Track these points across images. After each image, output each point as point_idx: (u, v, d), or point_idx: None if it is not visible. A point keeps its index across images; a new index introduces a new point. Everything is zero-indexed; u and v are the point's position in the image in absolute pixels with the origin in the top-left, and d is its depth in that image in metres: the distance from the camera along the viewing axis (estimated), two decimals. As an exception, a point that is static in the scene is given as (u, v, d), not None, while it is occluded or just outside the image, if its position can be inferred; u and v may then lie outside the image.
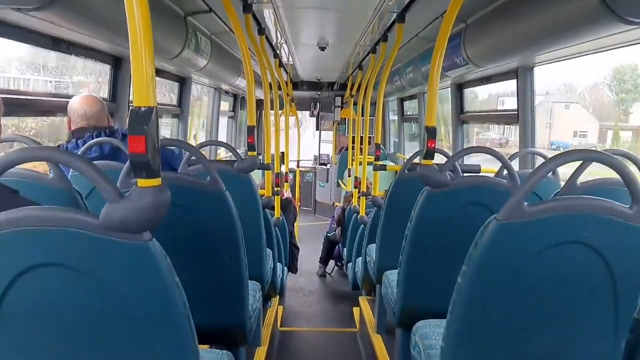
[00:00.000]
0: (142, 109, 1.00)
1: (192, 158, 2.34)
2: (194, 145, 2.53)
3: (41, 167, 2.05)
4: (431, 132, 2.15)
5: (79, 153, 2.32)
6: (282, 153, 5.84)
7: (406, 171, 2.98)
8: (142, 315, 1.11)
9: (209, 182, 1.93)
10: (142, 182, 1.02)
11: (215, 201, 1.93)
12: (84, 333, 1.11)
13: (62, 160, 1.09)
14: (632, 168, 2.07)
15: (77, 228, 1.01)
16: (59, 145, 2.49)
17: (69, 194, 1.75)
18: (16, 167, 1.06)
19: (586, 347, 1.48)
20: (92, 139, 2.41)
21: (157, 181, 1.03)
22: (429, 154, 2.16)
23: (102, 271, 1.05)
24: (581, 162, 2.02)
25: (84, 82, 3.57)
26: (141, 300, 1.10)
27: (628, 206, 1.36)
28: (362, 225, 4.28)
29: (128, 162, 1.72)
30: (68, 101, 2.53)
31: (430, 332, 1.96)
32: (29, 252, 1.03)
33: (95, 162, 2.29)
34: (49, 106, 2.84)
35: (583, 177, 2.13)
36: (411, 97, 7.32)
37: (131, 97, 3.43)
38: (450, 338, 1.52)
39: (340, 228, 6.05)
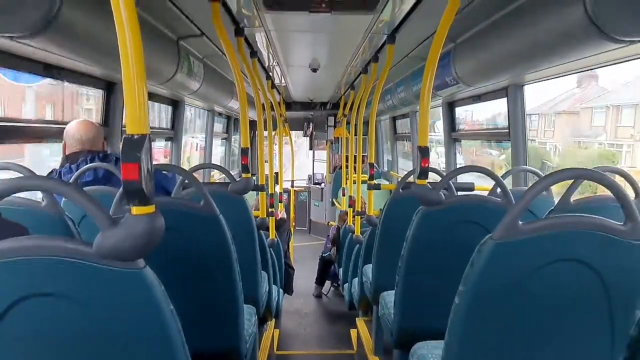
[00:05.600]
0: (136, 136, 1.00)
1: (185, 181, 2.33)
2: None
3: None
4: (424, 152, 2.15)
5: (72, 178, 2.33)
6: (276, 173, 5.84)
7: (400, 190, 2.99)
8: (137, 343, 1.09)
9: (202, 205, 1.92)
10: (135, 210, 1.01)
11: (209, 225, 1.92)
12: None
13: (55, 189, 1.09)
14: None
15: (71, 257, 1.00)
16: (52, 170, 2.48)
17: (61, 221, 1.74)
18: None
19: None
20: (86, 163, 2.41)
21: (150, 208, 1.02)
22: (423, 173, 2.16)
23: (96, 299, 1.04)
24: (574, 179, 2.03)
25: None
26: (135, 328, 1.08)
27: (622, 223, 1.36)
28: (358, 245, 4.26)
29: (121, 188, 1.71)
30: (62, 127, 2.53)
31: (429, 354, 1.94)
32: (21, 282, 1.02)
33: (88, 186, 2.30)
34: (42, 133, 2.83)
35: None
36: (403, 116, 7.37)
37: (124, 122, 3.42)
38: (449, 359, 1.51)
39: (335, 247, 6.02)
